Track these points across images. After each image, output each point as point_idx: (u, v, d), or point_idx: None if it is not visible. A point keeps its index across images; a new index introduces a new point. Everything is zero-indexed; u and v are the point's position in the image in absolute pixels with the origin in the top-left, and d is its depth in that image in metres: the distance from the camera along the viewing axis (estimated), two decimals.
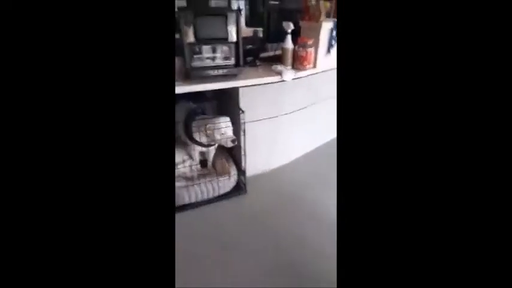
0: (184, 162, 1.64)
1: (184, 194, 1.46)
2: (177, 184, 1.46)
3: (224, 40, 1.28)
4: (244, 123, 1.43)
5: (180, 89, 1.28)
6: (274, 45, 1.82)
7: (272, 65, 1.58)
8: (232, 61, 1.36)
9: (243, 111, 1.41)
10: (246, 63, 1.40)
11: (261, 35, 1.87)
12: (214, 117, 1.44)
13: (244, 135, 1.47)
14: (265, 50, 1.83)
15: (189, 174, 1.62)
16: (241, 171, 1.69)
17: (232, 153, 1.71)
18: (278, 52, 1.75)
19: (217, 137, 1.41)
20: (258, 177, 1.73)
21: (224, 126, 1.40)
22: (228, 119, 1.43)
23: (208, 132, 1.41)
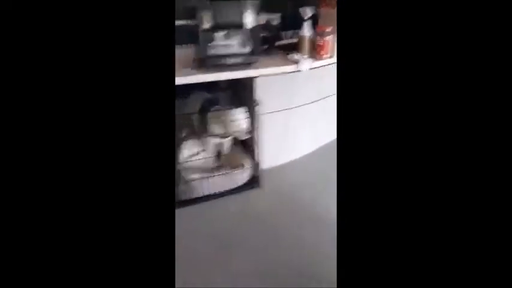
0: (198, 154, 1.61)
1: (198, 186, 1.43)
2: (192, 176, 1.42)
3: (240, 27, 1.23)
4: (258, 115, 1.39)
5: (194, 78, 1.23)
6: (290, 32, 1.75)
7: (288, 53, 1.52)
8: (248, 49, 1.30)
9: (258, 103, 1.36)
10: (261, 52, 1.34)
11: (275, 22, 1.79)
12: (229, 109, 1.40)
13: (259, 127, 1.43)
14: (280, 38, 1.76)
15: (203, 167, 1.59)
16: (255, 164, 1.65)
17: (247, 146, 1.66)
18: (294, 40, 1.69)
19: (233, 129, 1.37)
20: (270, 171, 1.68)
21: (240, 118, 1.35)
22: (243, 110, 1.38)
23: (223, 124, 1.37)
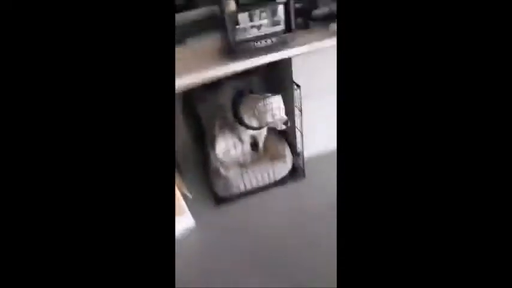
0: (234, 147, 1.53)
1: (237, 181, 1.36)
2: (230, 172, 1.35)
3: (271, 1, 1.05)
4: (300, 99, 1.22)
5: (223, 69, 1.11)
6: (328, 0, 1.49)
7: (329, 24, 1.29)
8: (281, 26, 1.12)
9: (298, 86, 1.20)
10: (296, 27, 1.15)
11: None
12: (264, 96, 1.26)
13: (301, 113, 1.27)
14: (316, 5, 1.52)
15: (241, 160, 1.51)
16: (296, 154, 1.52)
17: (285, 134, 1.53)
18: (334, 8, 1.44)
19: (269, 119, 1.23)
20: (315, 159, 1.53)
21: (275, 107, 1.21)
22: (279, 97, 1.23)
23: (258, 114, 1.24)
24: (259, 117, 1.26)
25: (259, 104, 1.23)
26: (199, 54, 1.31)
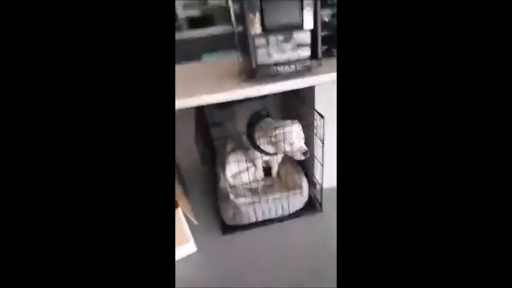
0: (247, 171, 1.45)
1: (248, 210, 1.27)
2: (241, 200, 1.26)
3: (299, 27, 1.01)
4: (323, 129, 1.15)
5: (241, 92, 1.06)
6: None
7: None
8: (307, 52, 1.07)
9: (322, 117, 1.13)
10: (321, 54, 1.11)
11: (326, 18, 1.52)
12: (282, 123, 1.20)
13: (323, 144, 1.19)
14: None
15: (253, 185, 1.42)
16: (313, 184, 1.43)
17: (303, 164, 1.44)
18: None
19: (286, 148, 1.16)
20: (332, 191, 1.43)
21: (294, 136, 1.14)
22: (299, 125, 1.17)
23: (275, 141, 1.17)
24: (276, 145, 1.18)
25: (278, 131, 1.16)
26: (215, 72, 1.27)
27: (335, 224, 1.29)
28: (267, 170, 1.53)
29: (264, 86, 1.07)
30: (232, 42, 1.17)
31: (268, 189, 1.41)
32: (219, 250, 1.24)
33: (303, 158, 1.16)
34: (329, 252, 1.16)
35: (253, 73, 1.04)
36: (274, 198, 1.28)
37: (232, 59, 1.43)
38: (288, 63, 1.06)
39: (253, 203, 1.25)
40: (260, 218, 1.30)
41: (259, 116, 1.35)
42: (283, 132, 1.14)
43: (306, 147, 1.15)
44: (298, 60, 1.07)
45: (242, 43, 1.09)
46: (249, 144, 1.40)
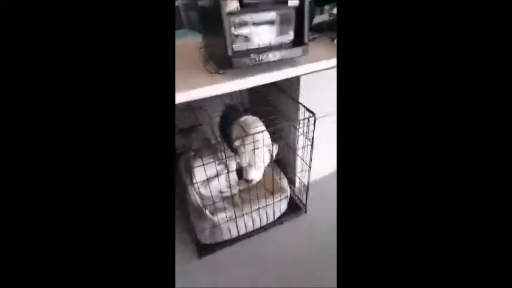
0: (218, 176, 1.24)
1: (228, 228, 1.08)
2: (220, 216, 1.06)
3: (282, 4, 0.81)
4: (314, 127, 1.00)
5: (213, 89, 0.83)
6: (327, 7, 1.32)
7: (331, 37, 1.11)
8: (290, 36, 0.89)
9: (313, 114, 0.96)
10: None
11: None
12: (257, 125, 1.01)
13: (312, 143, 1.05)
14: (313, 14, 1.33)
15: (226, 191, 1.23)
16: (292, 183, 1.30)
17: (279, 160, 1.29)
18: (332, 18, 1.27)
19: (261, 153, 0.98)
20: (314, 185, 1.31)
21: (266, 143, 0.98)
22: (265, 134, 0.99)
23: (249, 141, 0.98)
24: (251, 146, 1.00)
25: (253, 128, 0.97)
26: (179, 61, 1.01)
27: (320, 224, 1.21)
28: (240, 172, 1.34)
29: (244, 79, 0.86)
30: (188, 20, 0.93)
31: (245, 194, 1.24)
32: (197, 276, 1.04)
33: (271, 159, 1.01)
34: (320, 255, 1.06)
35: (228, 62, 0.82)
36: (254, 206, 1.11)
37: (186, 42, 1.17)
38: (271, 49, 0.86)
39: (235, 218, 1.06)
40: (243, 232, 1.13)
41: (235, 111, 1.13)
42: (254, 141, 0.95)
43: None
44: (281, 46, 0.88)
45: (210, 23, 0.85)
46: (217, 142, 1.19)
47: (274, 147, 1.02)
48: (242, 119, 1.04)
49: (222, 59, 0.84)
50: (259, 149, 0.95)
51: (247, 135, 0.95)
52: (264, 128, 1.01)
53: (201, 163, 1.11)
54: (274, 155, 1.03)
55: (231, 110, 1.13)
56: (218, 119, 1.17)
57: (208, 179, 1.20)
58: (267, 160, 1.02)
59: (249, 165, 1.00)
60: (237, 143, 1.02)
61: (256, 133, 0.93)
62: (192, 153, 1.29)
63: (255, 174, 1.02)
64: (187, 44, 1.17)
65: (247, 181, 1.04)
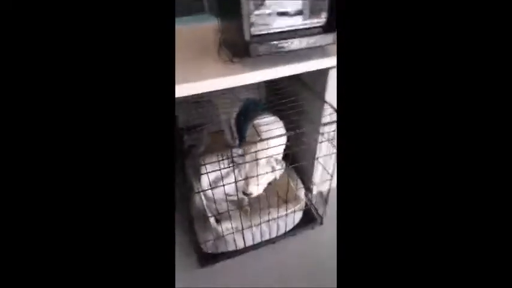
0: (226, 177, 1.12)
1: (236, 238, 0.96)
2: (226, 225, 0.94)
3: None
4: (335, 129, 0.85)
5: (224, 81, 0.69)
6: None
7: None
8: (322, 19, 0.73)
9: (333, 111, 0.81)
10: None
11: None
12: (273, 124, 0.86)
13: (335, 147, 0.89)
14: None
15: (233, 195, 1.10)
16: (309, 191, 1.15)
17: (297, 166, 1.14)
18: None
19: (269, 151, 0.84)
20: (332, 194, 1.17)
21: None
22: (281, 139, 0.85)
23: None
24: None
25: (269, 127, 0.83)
26: (186, 48, 0.87)
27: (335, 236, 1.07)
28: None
29: (263, 71, 0.71)
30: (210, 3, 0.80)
31: (255, 201, 1.10)
32: (197, 281, 0.93)
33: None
34: (333, 272, 0.92)
35: (245, 49, 0.68)
36: (264, 216, 0.98)
37: (205, 26, 1.03)
38: (297, 33, 0.71)
39: (242, 229, 0.94)
40: (250, 243, 1.00)
41: (255, 106, 0.99)
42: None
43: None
44: (310, 30, 0.72)
45: (226, 1, 0.70)
46: (232, 138, 1.06)
47: (280, 164, 0.87)
48: (258, 119, 0.90)
49: (238, 46, 0.70)
50: (262, 160, 0.81)
51: (252, 142, 0.81)
52: (280, 131, 0.86)
53: (210, 165, 0.99)
54: (277, 176, 0.88)
55: (250, 106, 0.99)
56: (235, 115, 1.03)
57: (215, 181, 1.07)
58: (270, 177, 0.87)
59: (249, 177, 0.86)
60: (243, 149, 0.89)
61: (263, 140, 0.78)
62: (200, 153, 1.17)
63: (254, 189, 0.88)
64: (206, 29, 1.03)
65: (245, 194, 0.90)
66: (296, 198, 1.05)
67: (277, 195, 1.12)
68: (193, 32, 1.03)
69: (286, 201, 1.05)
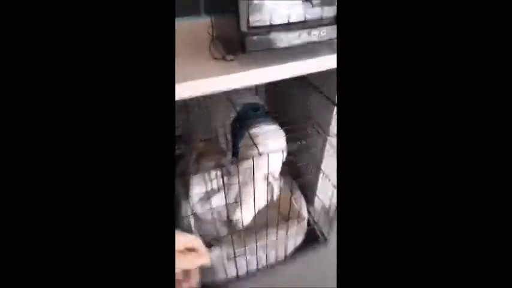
0: (215, 195, 0.98)
1: (226, 266, 0.82)
2: (215, 253, 0.80)
3: None
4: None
5: (212, 83, 0.56)
6: None
7: None
8: (332, 11, 0.60)
9: None
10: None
11: None
12: (271, 134, 0.73)
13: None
14: None
15: (224, 214, 0.97)
16: (312, 207, 1.03)
17: (299, 180, 1.01)
18: None
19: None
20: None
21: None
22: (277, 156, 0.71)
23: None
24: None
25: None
26: (180, 44, 0.74)
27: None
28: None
29: (261, 69, 0.58)
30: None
31: (251, 222, 0.97)
32: None
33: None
34: None
35: (241, 43, 0.55)
36: (260, 240, 0.84)
37: (196, 23, 0.90)
38: (304, 25, 0.58)
39: (233, 257, 0.80)
40: (243, 272, 0.87)
41: (254, 111, 0.86)
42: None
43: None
44: (318, 23, 0.60)
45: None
46: (227, 148, 0.94)
47: (275, 185, 0.74)
48: (255, 127, 0.77)
49: (233, 39, 0.57)
50: (256, 178, 0.68)
51: (245, 158, 0.68)
52: (280, 145, 0.73)
53: (198, 182, 0.86)
54: (275, 195, 0.75)
55: (248, 112, 0.86)
56: (231, 121, 0.91)
57: (209, 192, 0.94)
58: (262, 201, 0.74)
59: (235, 201, 0.73)
60: (235, 165, 0.76)
61: (258, 154, 0.65)
62: (189, 165, 1.04)
63: (242, 216, 0.75)
64: (197, 26, 0.90)
65: (231, 221, 0.77)
66: (299, 216, 0.92)
67: (278, 211, 0.99)
68: (182, 28, 0.90)
69: (287, 220, 0.91)
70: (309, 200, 1.02)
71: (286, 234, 0.86)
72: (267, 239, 0.83)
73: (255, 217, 0.88)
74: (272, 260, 0.90)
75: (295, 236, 0.90)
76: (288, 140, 0.81)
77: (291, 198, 0.92)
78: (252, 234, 0.82)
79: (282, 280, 0.89)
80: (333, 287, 0.83)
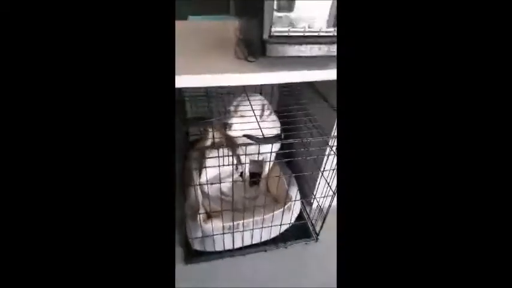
0: (227, 176, 1.10)
1: (224, 239, 0.93)
2: (216, 224, 0.91)
3: None
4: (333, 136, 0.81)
5: (234, 78, 0.67)
6: None
7: None
8: None
9: None
10: None
11: None
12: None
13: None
14: None
15: (229, 195, 1.07)
16: (309, 205, 1.12)
17: (300, 175, 1.10)
18: None
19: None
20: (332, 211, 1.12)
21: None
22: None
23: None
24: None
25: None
26: (203, 41, 0.85)
27: (330, 258, 1.03)
28: (254, 176, 1.19)
29: (277, 73, 0.68)
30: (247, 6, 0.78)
31: (251, 204, 1.08)
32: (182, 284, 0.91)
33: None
34: None
35: (262, 48, 0.65)
36: (257, 217, 0.94)
37: (227, 23, 1.01)
38: (317, 40, 0.67)
39: (231, 231, 0.91)
40: (238, 245, 0.98)
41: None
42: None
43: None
44: (330, 38, 0.69)
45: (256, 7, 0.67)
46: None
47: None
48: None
49: (255, 44, 0.68)
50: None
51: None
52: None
53: (212, 160, 0.97)
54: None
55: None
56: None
57: (214, 178, 1.06)
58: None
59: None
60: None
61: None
62: (205, 147, 1.15)
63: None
64: (227, 26, 1.01)
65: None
66: (286, 198, 1.01)
67: (267, 190, 1.09)
68: (213, 28, 1.02)
69: (279, 204, 1.01)
70: (307, 197, 1.11)
71: (276, 212, 0.96)
72: (263, 215, 0.93)
73: (256, 193, 0.99)
74: (266, 237, 1.00)
75: (284, 218, 0.99)
76: (285, 132, 0.91)
77: (280, 176, 1.02)
78: (250, 211, 0.92)
79: (271, 263, 0.99)
80: (318, 279, 0.93)
